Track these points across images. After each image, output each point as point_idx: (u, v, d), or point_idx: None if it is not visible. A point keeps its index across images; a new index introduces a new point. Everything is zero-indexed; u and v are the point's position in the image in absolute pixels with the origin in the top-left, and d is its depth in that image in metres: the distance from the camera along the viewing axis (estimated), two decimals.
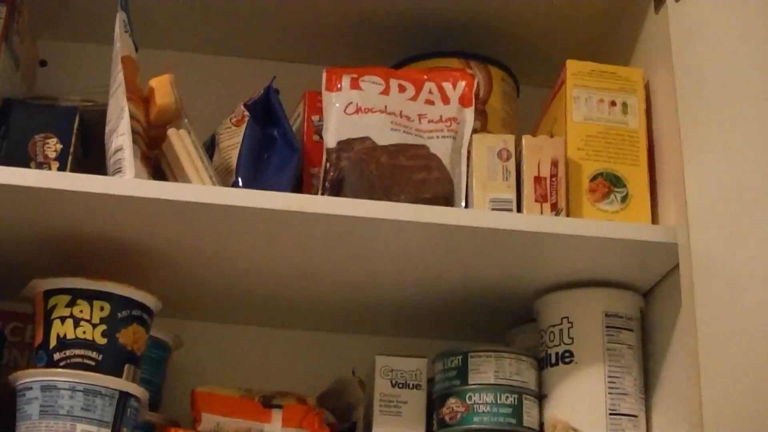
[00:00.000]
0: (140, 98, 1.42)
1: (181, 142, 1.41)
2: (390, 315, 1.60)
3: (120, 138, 1.37)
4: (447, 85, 1.51)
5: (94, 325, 1.33)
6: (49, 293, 1.34)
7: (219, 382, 1.44)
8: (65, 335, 1.32)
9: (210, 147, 1.52)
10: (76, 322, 1.32)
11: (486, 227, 1.36)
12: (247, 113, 1.49)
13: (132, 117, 1.37)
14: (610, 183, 1.44)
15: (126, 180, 1.33)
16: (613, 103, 1.47)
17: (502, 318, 1.57)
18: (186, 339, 1.53)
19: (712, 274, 1.31)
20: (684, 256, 1.36)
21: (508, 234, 1.36)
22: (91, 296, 1.33)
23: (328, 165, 1.44)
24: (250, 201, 1.33)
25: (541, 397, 1.44)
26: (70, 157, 1.42)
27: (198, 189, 1.36)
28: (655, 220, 1.43)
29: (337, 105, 1.48)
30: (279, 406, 1.38)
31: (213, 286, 1.53)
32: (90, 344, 1.32)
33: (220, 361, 1.61)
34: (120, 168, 1.35)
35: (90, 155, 1.47)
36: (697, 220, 1.35)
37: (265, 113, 1.50)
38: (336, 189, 1.42)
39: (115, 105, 1.40)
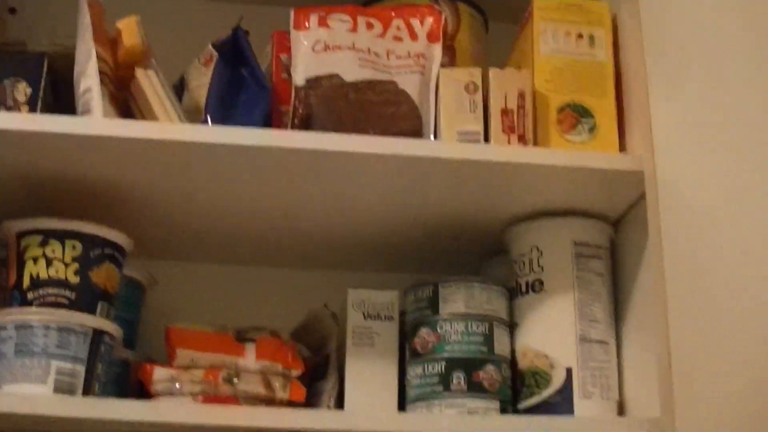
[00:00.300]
0: (107, 40, 1.42)
1: (149, 82, 1.41)
2: (362, 250, 1.61)
3: (88, 79, 1.37)
4: (415, 22, 1.52)
5: (67, 265, 1.33)
6: (21, 234, 1.35)
7: (194, 320, 1.45)
8: (38, 275, 1.33)
9: (179, 88, 1.53)
10: (49, 262, 1.33)
11: (455, 158, 1.36)
12: (215, 53, 1.49)
13: (99, 58, 1.37)
14: (577, 114, 1.44)
15: (94, 119, 1.34)
16: (580, 36, 1.48)
17: (474, 250, 1.58)
18: (160, 278, 1.54)
19: (678, 201, 1.32)
20: (650, 184, 1.37)
21: (477, 165, 1.37)
22: (62, 236, 1.34)
23: (297, 102, 1.44)
24: (219, 137, 1.33)
25: (511, 326, 1.45)
26: (39, 101, 1.42)
27: (166, 126, 1.36)
28: (622, 150, 1.44)
29: (305, 43, 1.48)
30: (252, 340, 1.39)
31: (185, 225, 1.53)
32: (63, 283, 1.33)
33: (194, 300, 1.62)
34: (89, 108, 1.36)
35: (60, 100, 1.47)
36: (663, 148, 1.36)
37: (234, 53, 1.50)
38: (305, 125, 1.42)
39: (82, 48, 1.40)
